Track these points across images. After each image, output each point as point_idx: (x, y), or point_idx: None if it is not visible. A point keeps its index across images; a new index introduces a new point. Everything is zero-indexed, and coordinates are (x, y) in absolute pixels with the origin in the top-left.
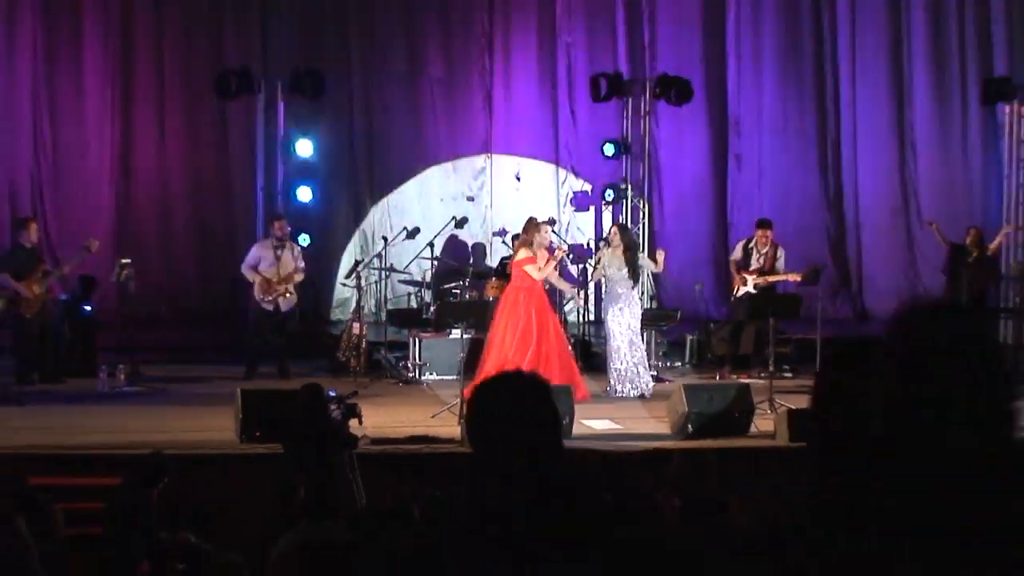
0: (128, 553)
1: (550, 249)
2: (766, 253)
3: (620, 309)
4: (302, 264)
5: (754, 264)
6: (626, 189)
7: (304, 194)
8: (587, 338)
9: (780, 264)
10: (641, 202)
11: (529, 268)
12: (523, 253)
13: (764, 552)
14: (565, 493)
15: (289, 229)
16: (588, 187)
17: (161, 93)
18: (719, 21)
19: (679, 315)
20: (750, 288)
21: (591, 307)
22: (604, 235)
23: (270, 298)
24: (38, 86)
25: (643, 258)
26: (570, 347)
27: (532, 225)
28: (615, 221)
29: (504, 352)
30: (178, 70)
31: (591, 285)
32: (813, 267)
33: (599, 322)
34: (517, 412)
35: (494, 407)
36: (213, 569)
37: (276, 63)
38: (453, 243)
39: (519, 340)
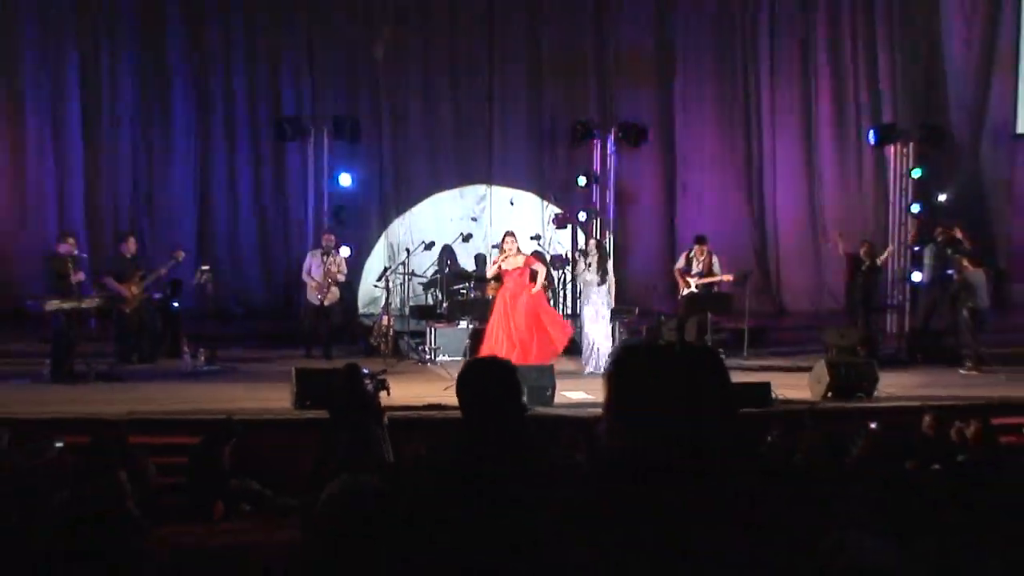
0: (205, 497)
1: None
2: (703, 261)
3: (593, 305)
4: (344, 268)
5: (695, 270)
6: (596, 211)
7: (344, 216)
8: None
9: (716, 268)
10: (606, 221)
11: (491, 267)
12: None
13: None
14: (525, 448)
15: (334, 240)
16: (565, 210)
17: (232, 136)
18: (668, 80)
19: (636, 310)
20: (693, 288)
21: (568, 303)
22: (582, 247)
23: (319, 296)
24: (136, 132)
25: (609, 264)
26: (550, 324)
27: (503, 237)
28: (591, 237)
29: (491, 341)
30: (245, 120)
31: (574, 285)
32: (742, 272)
33: (574, 315)
34: (485, 387)
35: (468, 384)
36: (272, 509)
37: (322, 113)
38: (460, 254)
39: (503, 331)
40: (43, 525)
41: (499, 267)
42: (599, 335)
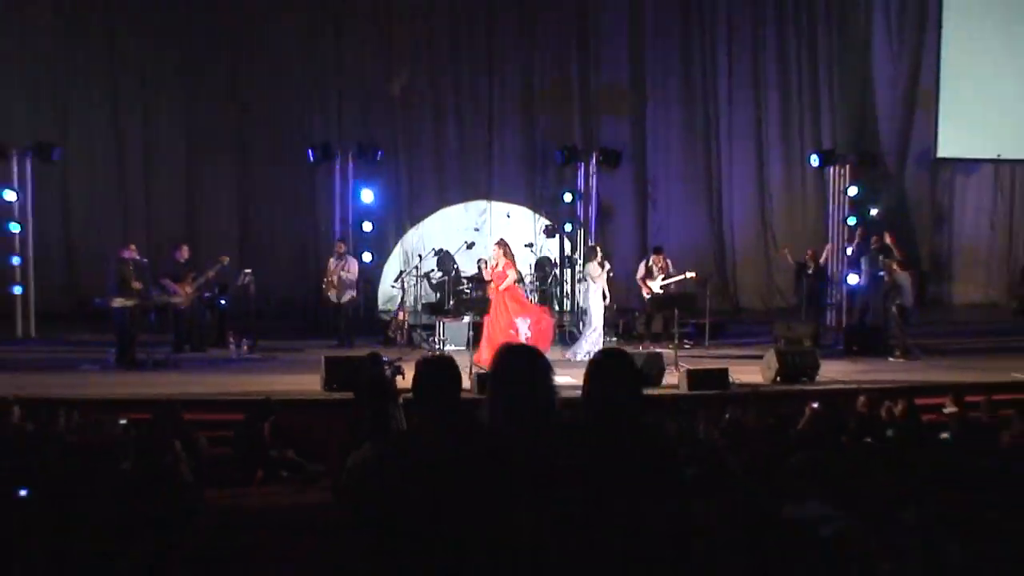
0: (248, 465)
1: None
2: (661, 267)
3: (598, 301)
4: (354, 270)
5: (656, 275)
6: (580, 223)
7: (366, 227)
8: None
9: (672, 270)
10: (588, 232)
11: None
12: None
13: None
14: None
15: (344, 247)
16: (554, 222)
17: (271, 158)
18: (641, 110)
19: (615, 307)
20: (657, 289)
21: (556, 300)
22: (579, 253)
23: (335, 294)
24: (190, 155)
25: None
26: (533, 317)
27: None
28: (596, 243)
29: (493, 330)
30: (280, 144)
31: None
32: (703, 274)
33: (562, 309)
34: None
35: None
36: (304, 475)
37: (348, 139)
38: (464, 259)
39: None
40: (111, 489)
41: (491, 270)
42: (600, 320)
